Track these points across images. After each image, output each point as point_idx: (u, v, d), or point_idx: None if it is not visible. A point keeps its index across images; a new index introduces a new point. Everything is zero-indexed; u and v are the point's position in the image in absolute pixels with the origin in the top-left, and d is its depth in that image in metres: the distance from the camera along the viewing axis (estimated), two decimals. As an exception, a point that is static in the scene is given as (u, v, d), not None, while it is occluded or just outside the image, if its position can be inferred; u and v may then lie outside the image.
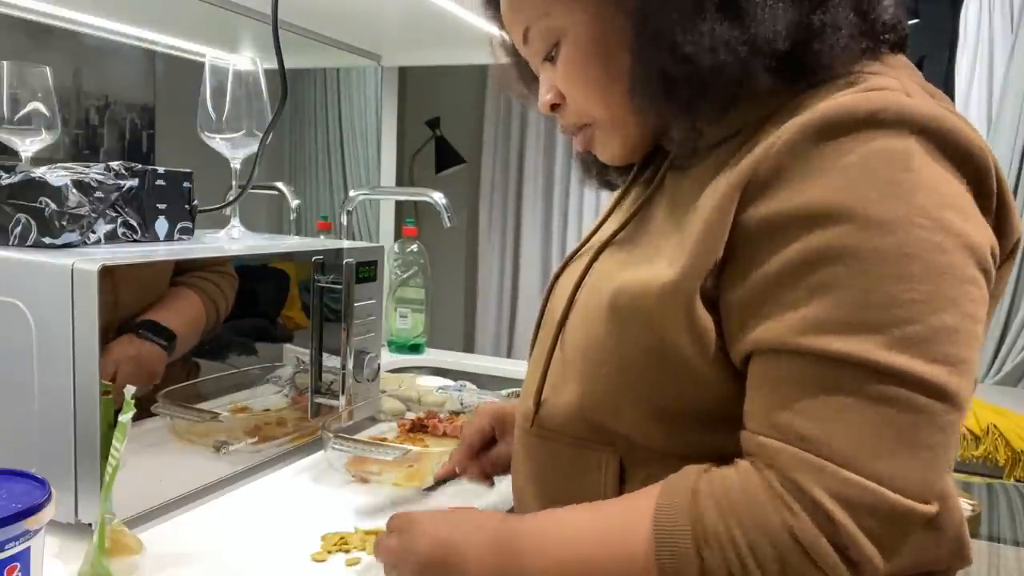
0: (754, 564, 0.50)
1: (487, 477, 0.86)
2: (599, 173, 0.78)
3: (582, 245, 0.73)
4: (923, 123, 0.51)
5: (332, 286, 1.04)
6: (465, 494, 0.91)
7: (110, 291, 0.74)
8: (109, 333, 0.75)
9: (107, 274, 0.73)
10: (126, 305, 0.77)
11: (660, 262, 0.58)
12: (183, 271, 0.85)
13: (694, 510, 0.52)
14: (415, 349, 1.67)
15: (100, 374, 0.73)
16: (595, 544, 0.56)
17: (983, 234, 0.51)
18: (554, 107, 0.69)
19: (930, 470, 0.49)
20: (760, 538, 0.50)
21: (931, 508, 0.49)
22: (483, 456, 0.86)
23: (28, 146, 0.99)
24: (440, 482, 0.87)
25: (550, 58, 0.66)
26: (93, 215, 0.85)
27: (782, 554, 0.49)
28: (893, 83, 0.54)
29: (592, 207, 3.67)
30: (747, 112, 0.58)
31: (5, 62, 0.97)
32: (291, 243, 1.11)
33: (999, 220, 0.54)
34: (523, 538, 0.59)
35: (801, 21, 0.55)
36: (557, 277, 0.73)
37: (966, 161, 0.51)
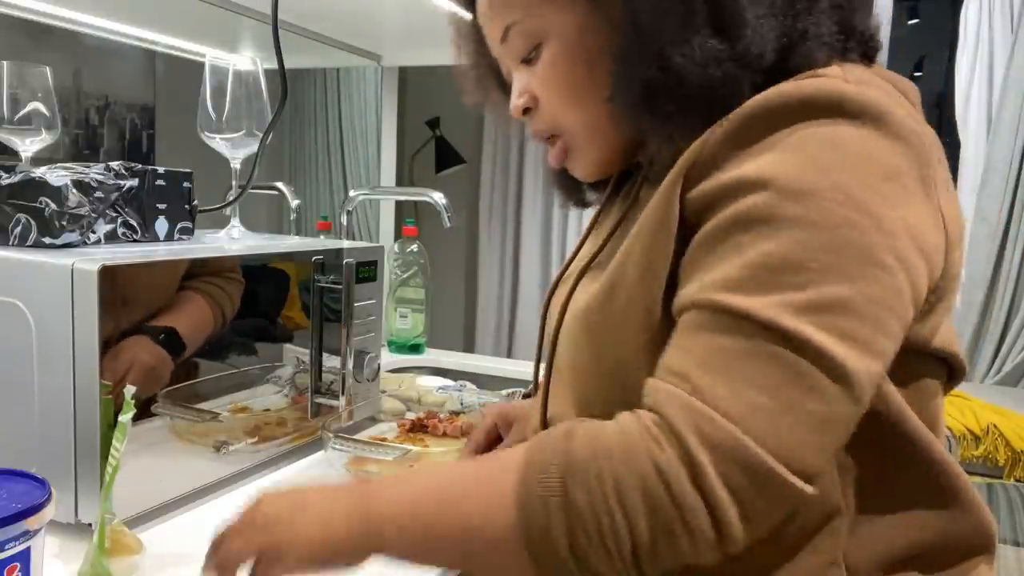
0: (615, 497, 0.48)
1: None
2: (574, 191, 0.79)
3: (567, 267, 0.74)
4: (859, 108, 0.51)
5: (332, 286, 1.04)
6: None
7: (119, 291, 0.74)
8: (119, 333, 0.75)
9: (107, 274, 0.73)
10: (135, 306, 0.77)
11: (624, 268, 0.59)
12: (193, 275, 0.85)
13: (565, 445, 0.51)
14: (415, 349, 1.67)
15: (101, 374, 0.73)
16: (461, 481, 0.54)
17: (911, 225, 0.51)
18: (526, 111, 0.68)
19: (804, 434, 0.47)
20: (625, 471, 0.48)
21: (799, 482, 0.47)
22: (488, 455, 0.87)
23: (28, 146, 0.99)
24: None
25: (527, 60, 0.65)
26: (93, 215, 0.85)
27: (646, 487, 0.47)
28: (834, 71, 0.55)
29: (592, 208, 3.66)
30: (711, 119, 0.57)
31: (5, 62, 0.97)
32: (291, 243, 1.11)
33: (942, 206, 0.54)
34: (383, 481, 0.56)
35: (786, 31, 0.56)
36: (550, 298, 0.74)
37: (904, 147, 0.51)
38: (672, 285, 0.56)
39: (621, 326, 0.58)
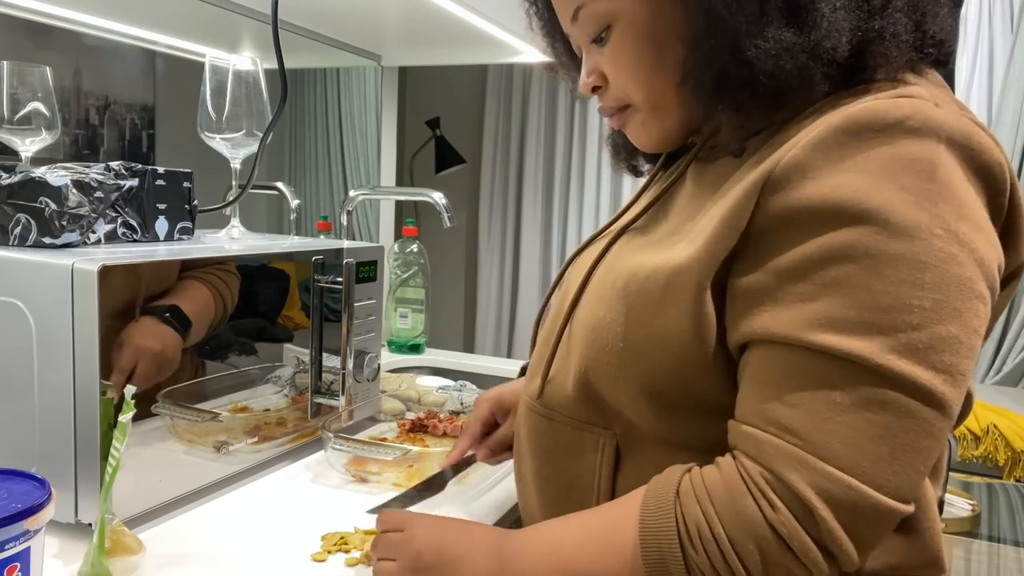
0: (736, 560, 0.51)
1: (493, 456, 0.87)
2: (627, 157, 0.79)
3: (602, 230, 0.74)
4: (948, 134, 0.51)
5: (332, 286, 1.04)
6: (463, 496, 0.91)
7: (120, 282, 0.74)
8: (123, 322, 0.75)
9: (107, 274, 0.73)
10: (135, 297, 0.77)
11: (676, 246, 0.59)
12: (190, 267, 0.85)
13: (677, 509, 0.54)
14: (415, 349, 1.67)
15: (101, 374, 0.73)
16: (586, 547, 0.57)
17: (993, 251, 0.52)
18: (594, 89, 0.69)
19: (913, 472, 0.51)
20: (741, 533, 0.51)
21: (909, 507, 0.51)
22: (486, 440, 0.88)
23: (28, 146, 0.99)
24: (451, 470, 0.87)
25: (598, 40, 0.66)
26: (93, 215, 0.85)
27: (763, 548, 0.51)
28: (923, 92, 0.55)
29: (592, 207, 3.67)
30: (783, 109, 0.58)
31: (5, 62, 0.97)
32: (291, 243, 1.11)
33: (1008, 240, 0.54)
34: (515, 543, 0.61)
35: (859, 27, 0.56)
36: (574, 258, 0.74)
37: (985, 176, 0.52)
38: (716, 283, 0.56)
39: (661, 304, 0.58)
